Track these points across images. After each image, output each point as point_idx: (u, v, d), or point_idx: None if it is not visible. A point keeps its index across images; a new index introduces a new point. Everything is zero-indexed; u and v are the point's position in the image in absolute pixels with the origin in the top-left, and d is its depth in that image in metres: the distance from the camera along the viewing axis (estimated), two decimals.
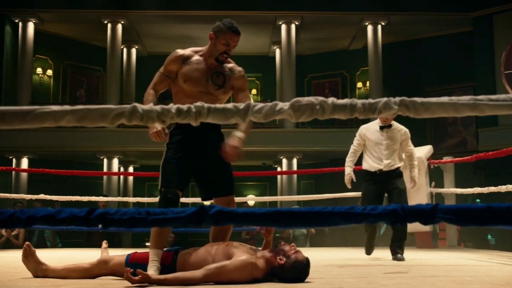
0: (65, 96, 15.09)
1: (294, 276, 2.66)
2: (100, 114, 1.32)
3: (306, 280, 2.72)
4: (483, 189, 5.71)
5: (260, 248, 2.89)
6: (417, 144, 9.70)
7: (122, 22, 13.76)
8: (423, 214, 1.31)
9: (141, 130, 13.82)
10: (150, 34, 15.14)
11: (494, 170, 12.37)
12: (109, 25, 13.69)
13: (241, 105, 1.34)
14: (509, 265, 3.70)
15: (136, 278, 2.52)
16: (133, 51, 15.71)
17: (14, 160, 12.82)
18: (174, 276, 2.62)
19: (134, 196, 14.84)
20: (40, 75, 14.59)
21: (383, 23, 13.75)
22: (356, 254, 5.50)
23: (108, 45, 13.69)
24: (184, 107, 1.34)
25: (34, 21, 13.38)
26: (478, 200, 10.69)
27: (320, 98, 1.34)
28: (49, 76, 14.83)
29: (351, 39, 15.40)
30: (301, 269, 2.66)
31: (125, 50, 15.46)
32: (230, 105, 1.34)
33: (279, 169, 14.31)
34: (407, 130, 5.36)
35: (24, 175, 12.50)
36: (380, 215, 1.31)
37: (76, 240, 10.96)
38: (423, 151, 7.42)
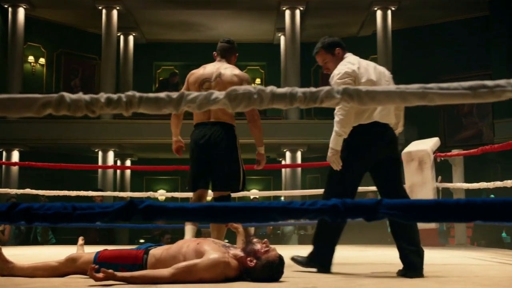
0: (58, 86, 15.13)
1: (266, 277, 2.66)
2: (25, 103, 1.32)
3: (282, 279, 2.72)
4: (488, 184, 5.68)
5: (234, 246, 2.89)
6: (428, 136, 9.66)
7: (118, 7, 13.76)
8: (366, 209, 1.30)
9: (138, 121, 13.87)
10: (148, 20, 15.13)
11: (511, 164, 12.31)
12: (103, 11, 13.69)
13: (174, 95, 1.33)
14: (509, 264, 3.68)
15: (100, 275, 2.53)
16: (130, 38, 15.71)
17: (4, 153, 12.89)
18: (140, 274, 2.63)
19: (132, 191, 14.90)
20: (32, 63, 14.65)
21: (393, 8, 13.65)
22: (350, 252, 5.49)
23: (103, 32, 13.70)
24: (115, 96, 1.33)
25: (24, 6, 13.37)
26: (492, 196, 10.65)
27: (259, 87, 1.33)
28: (42, 65, 14.88)
29: (360, 25, 15.32)
30: (273, 269, 2.66)
31: (121, 37, 15.46)
32: (162, 95, 1.33)
33: (283, 162, 14.30)
34: None
35: (14, 168, 12.57)
36: (320, 210, 1.30)
37: (72, 237, 10.99)
38: (429, 144, 7.38)
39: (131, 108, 1.33)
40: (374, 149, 3.35)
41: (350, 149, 3.35)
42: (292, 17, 13.83)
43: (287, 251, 6.21)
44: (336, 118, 3.26)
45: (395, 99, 1.32)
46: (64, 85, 15.27)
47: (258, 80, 17.17)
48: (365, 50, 15.47)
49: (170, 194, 13.99)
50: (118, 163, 15.03)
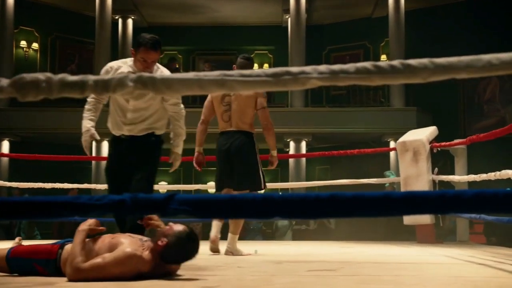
0: (53, 72, 15.11)
1: (180, 251, 2.68)
2: None
3: (206, 276, 2.75)
4: (475, 176, 5.61)
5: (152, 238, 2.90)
6: (444, 126, 9.48)
7: None
8: (156, 205, 1.30)
9: None
10: (147, 2, 15.19)
11: None
12: None
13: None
14: (488, 266, 3.63)
15: None
16: (129, 22, 15.78)
17: None
18: None
19: None
20: (24, 48, 14.81)
21: None
22: (330, 249, 5.48)
23: (96, 14, 13.79)
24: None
25: None
26: (508, 189, 10.48)
27: (48, 74, 1.34)
28: (35, 50, 15.05)
29: (373, 5, 15.18)
30: (183, 240, 2.67)
31: (120, 20, 15.54)
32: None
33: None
34: None
35: (5, 159, 12.76)
36: (107, 205, 1.30)
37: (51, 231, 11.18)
38: (425, 133, 7.31)
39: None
40: None
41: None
42: None
43: (279, 247, 6.25)
44: None
45: (193, 88, 1.32)
46: (60, 71, 15.33)
47: (266, 65, 17.13)
48: (381, 32, 15.35)
49: (171, 187, 14.16)
50: None
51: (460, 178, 6.27)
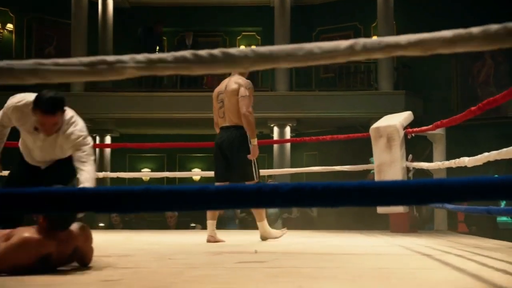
0: (30, 55, 15.23)
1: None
2: None
3: (118, 269, 2.77)
4: (439, 163, 5.64)
5: None
6: (436, 109, 9.42)
7: None
8: None
9: (113, 94, 13.98)
10: None
11: None
12: None
13: None
14: (431, 257, 3.65)
15: None
16: (110, 2, 15.71)
17: None
18: None
19: (114, 170, 15.03)
20: None
21: None
22: (290, 239, 5.51)
23: None
24: None
25: None
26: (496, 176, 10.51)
27: None
28: (10, 31, 14.98)
29: None
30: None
31: (100, 0, 15.48)
32: None
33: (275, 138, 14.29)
34: None
35: None
36: None
37: None
38: (399, 119, 7.31)
39: None
40: None
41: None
42: None
43: (246, 237, 6.27)
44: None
45: (2, 77, 1.33)
46: (37, 54, 15.37)
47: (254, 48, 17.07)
48: (372, 12, 15.22)
49: (154, 174, 14.17)
50: (97, 139, 15.18)
51: (428, 165, 6.29)
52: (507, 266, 3.02)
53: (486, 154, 4.04)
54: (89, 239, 2.91)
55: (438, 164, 5.71)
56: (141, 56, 1.33)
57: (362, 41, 1.32)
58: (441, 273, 2.79)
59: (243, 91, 5.10)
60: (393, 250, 4.21)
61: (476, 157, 4.25)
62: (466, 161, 4.49)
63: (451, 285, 2.39)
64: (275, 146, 13.50)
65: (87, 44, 13.92)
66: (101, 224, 11.19)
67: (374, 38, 1.34)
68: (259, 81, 14.09)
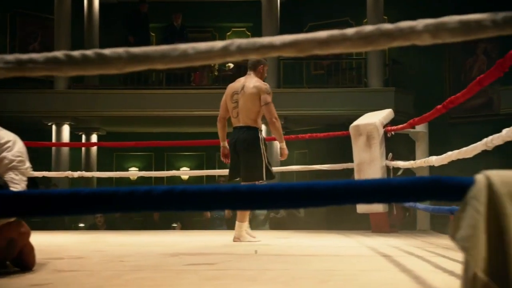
0: (14, 51, 15.22)
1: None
2: None
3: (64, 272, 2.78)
4: (412, 162, 5.66)
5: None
6: (427, 106, 9.34)
7: None
8: None
9: (99, 91, 13.97)
10: None
11: None
12: None
13: None
14: (391, 258, 3.67)
15: None
16: None
17: None
18: None
19: (100, 170, 15.01)
20: None
21: None
22: (264, 240, 5.52)
23: None
24: None
25: None
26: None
27: None
28: None
29: None
30: None
31: None
32: None
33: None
34: None
35: None
36: None
37: None
38: (379, 116, 7.32)
39: None
40: None
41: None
42: None
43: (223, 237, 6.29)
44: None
45: None
46: (21, 50, 15.36)
47: None
48: (364, 7, 15.23)
49: (142, 173, 14.13)
50: (83, 137, 15.19)
51: (403, 164, 6.30)
52: (459, 268, 3.03)
53: (449, 153, 4.06)
54: (26, 234, 2.93)
55: (411, 163, 5.73)
56: (11, 57, 1.34)
57: (237, 42, 1.34)
58: (385, 275, 2.81)
59: (266, 98, 5.32)
60: (356, 251, 4.23)
61: (441, 156, 4.27)
62: (433, 160, 4.51)
63: None
64: None
65: (71, 39, 13.89)
66: (81, 225, 11.17)
67: (251, 39, 1.35)
68: None
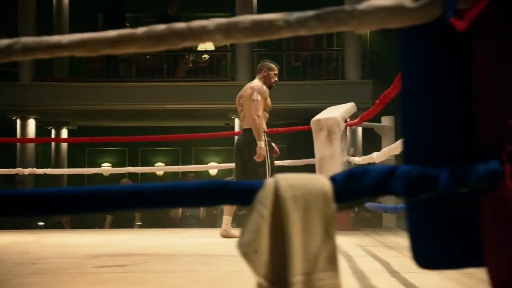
0: None
1: None
2: None
3: None
4: (366, 157, 5.65)
5: None
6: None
7: None
8: None
9: (67, 84, 13.90)
10: None
11: None
12: None
13: None
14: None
15: None
16: None
17: None
18: None
19: (71, 166, 14.94)
20: None
21: None
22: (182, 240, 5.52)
23: None
24: None
25: None
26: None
27: None
28: None
29: None
30: None
31: None
32: None
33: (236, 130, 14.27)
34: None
35: None
36: None
37: None
38: (340, 110, 7.30)
39: None
40: None
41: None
42: None
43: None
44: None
45: None
46: None
47: None
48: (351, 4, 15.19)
49: (115, 170, 14.07)
50: (53, 132, 15.11)
51: (360, 160, 6.29)
52: (383, 268, 3.05)
53: (385, 149, 4.06)
54: None
55: (364, 159, 5.72)
56: None
57: (23, 40, 1.32)
58: None
59: (254, 95, 5.69)
60: None
61: (379, 152, 4.28)
62: (374, 156, 4.52)
63: None
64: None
65: (36, 28, 13.80)
66: (41, 223, 11.10)
67: (38, 37, 1.34)
68: (220, 70, 14.08)
